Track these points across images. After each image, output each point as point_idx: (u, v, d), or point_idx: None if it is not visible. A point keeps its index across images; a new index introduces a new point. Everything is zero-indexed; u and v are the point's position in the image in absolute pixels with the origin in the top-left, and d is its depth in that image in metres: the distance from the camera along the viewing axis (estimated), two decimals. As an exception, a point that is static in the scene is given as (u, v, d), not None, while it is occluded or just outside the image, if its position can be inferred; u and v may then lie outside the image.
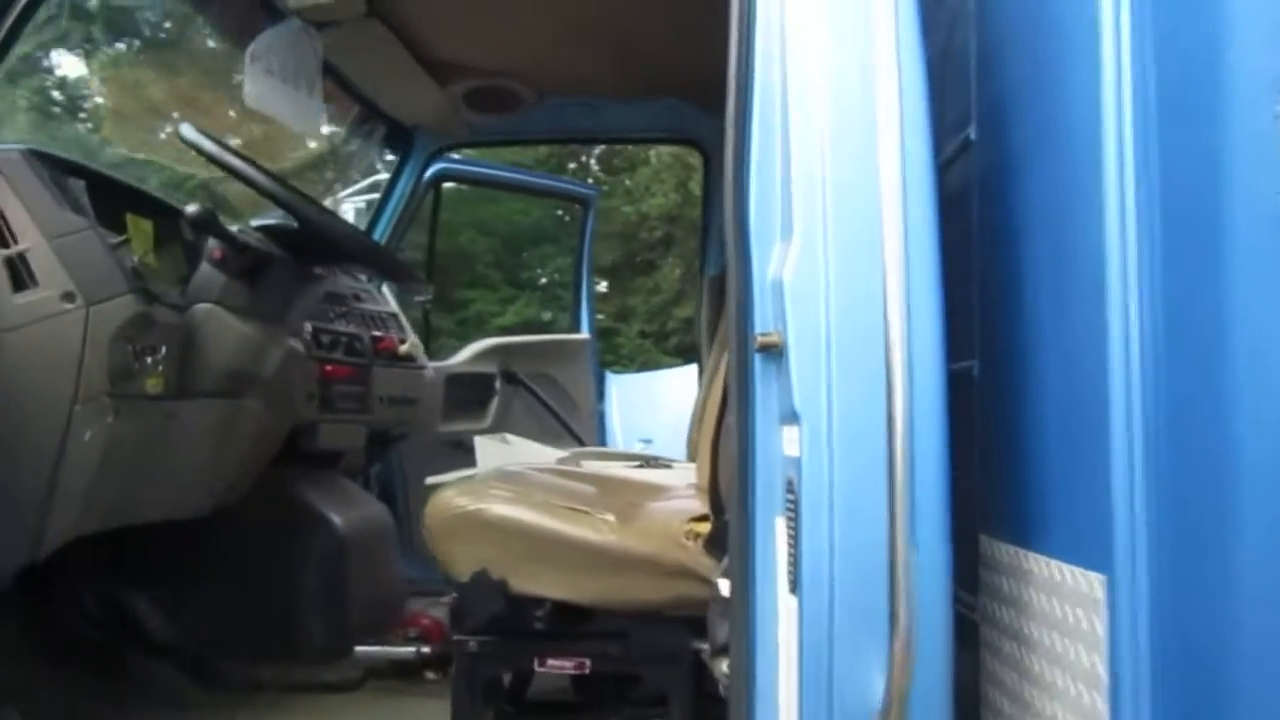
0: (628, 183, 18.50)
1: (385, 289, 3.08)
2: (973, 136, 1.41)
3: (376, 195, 3.28)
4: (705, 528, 1.55)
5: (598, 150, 18.82)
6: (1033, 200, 1.23)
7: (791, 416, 1.16)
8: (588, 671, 1.66)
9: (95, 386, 1.39)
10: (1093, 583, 1.02)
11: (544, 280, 15.75)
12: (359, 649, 1.87)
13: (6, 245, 1.39)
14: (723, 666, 1.34)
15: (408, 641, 1.89)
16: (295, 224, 1.69)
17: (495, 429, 3.17)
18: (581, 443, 3.31)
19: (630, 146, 18.60)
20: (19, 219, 1.39)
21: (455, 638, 1.66)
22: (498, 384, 3.25)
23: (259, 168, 1.68)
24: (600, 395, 7.04)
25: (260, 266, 1.66)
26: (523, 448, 2.50)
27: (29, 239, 1.39)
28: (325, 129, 3.08)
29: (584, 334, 3.61)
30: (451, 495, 1.70)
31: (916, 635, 1.09)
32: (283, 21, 2.08)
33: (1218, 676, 0.94)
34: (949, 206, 1.23)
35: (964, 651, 1.26)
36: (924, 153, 1.19)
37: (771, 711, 1.16)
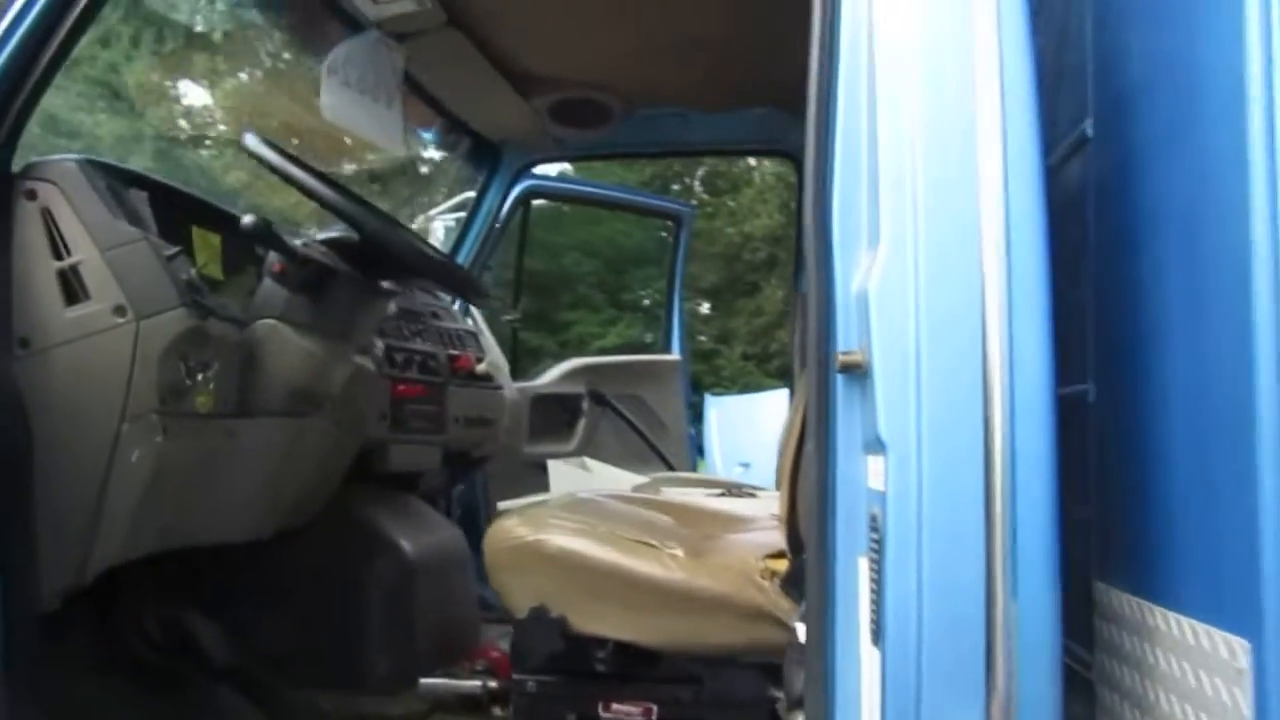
0: (731, 203, 18.51)
1: (472, 308, 3.06)
2: (1089, 132, 1.27)
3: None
4: (783, 565, 1.43)
5: (701, 171, 18.89)
6: (1162, 200, 1.08)
7: (876, 445, 1.04)
8: (655, 718, 1.55)
9: (144, 404, 1.35)
10: (1234, 649, 0.86)
11: (646, 301, 15.78)
12: (425, 680, 1.80)
13: (60, 257, 1.37)
14: (798, 721, 1.22)
15: (475, 674, 1.81)
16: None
17: (581, 451, 3.09)
18: (671, 467, 3.21)
19: (735, 168, 18.64)
20: (73, 230, 1.36)
21: (514, 677, 1.58)
22: (585, 405, 3.18)
23: (324, 178, 1.64)
24: (698, 417, 6.95)
25: (323, 280, 1.60)
26: (601, 472, 2.41)
27: (82, 251, 1.36)
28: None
29: (675, 355, 3.51)
30: (511, 524, 1.61)
31: (1018, 698, 0.97)
32: (361, 33, 2.05)
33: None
34: (1060, 210, 1.11)
35: (1076, 716, 1.11)
36: (1030, 149, 1.06)
37: (851, 776, 1.04)
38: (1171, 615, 0.99)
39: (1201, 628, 0.93)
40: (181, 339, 1.37)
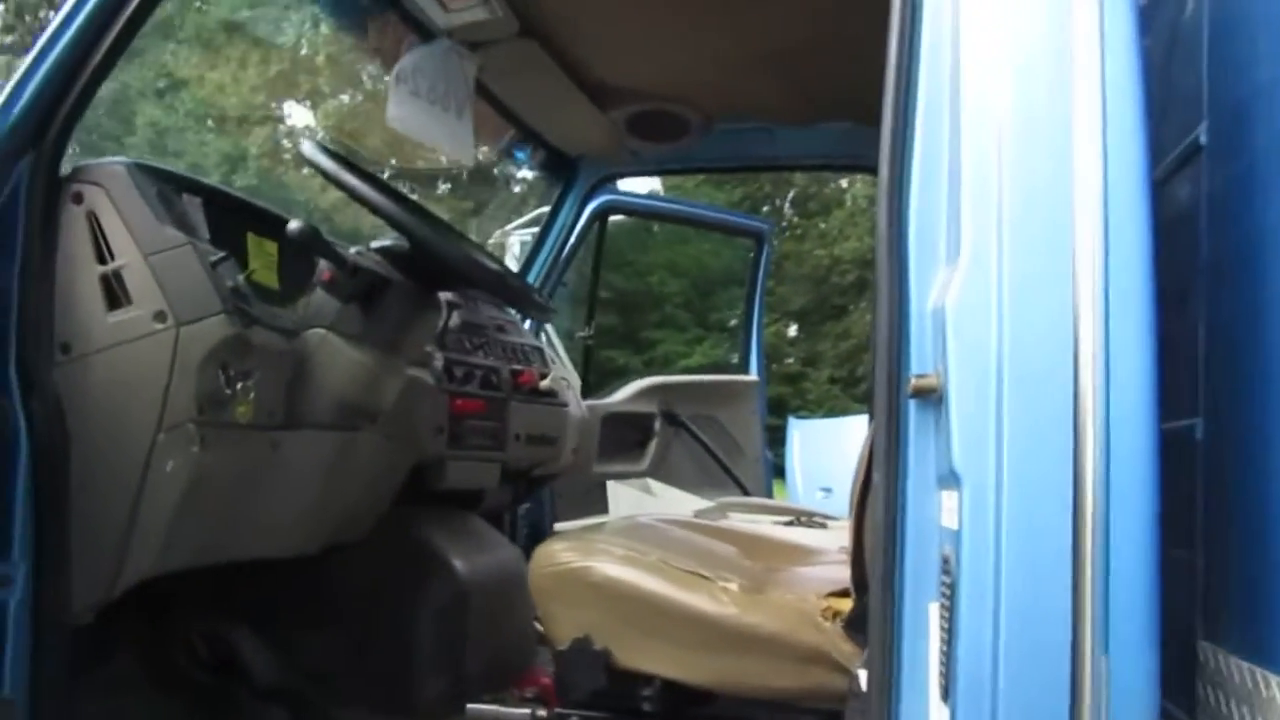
0: (822, 225, 18.34)
1: (547, 325, 3.00)
2: (1203, 140, 1.16)
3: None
4: (847, 605, 1.32)
5: (792, 193, 18.75)
6: (1287, 216, 0.96)
7: (950, 478, 0.95)
8: None
9: (181, 413, 1.32)
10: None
11: (732, 322, 15.71)
12: (472, 706, 1.73)
13: (104, 261, 1.35)
14: (860, 778, 1.11)
15: (524, 701, 1.73)
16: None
17: (653, 473, 3.02)
18: (745, 491, 3.10)
19: (826, 189, 18.46)
20: (117, 234, 1.34)
21: (557, 710, 1.50)
22: (657, 425, 3.09)
23: (382, 185, 1.60)
24: (777, 441, 6.81)
25: (375, 290, 1.56)
26: (663, 495, 2.31)
27: (126, 255, 1.34)
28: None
29: (752, 376, 3.40)
30: (556, 548, 1.53)
31: (1110, 769, 0.85)
32: (431, 41, 2.02)
33: None
34: (1167, 226, 1.00)
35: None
36: (1134, 152, 0.95)
37: None
38: (1291, 687, 0.87)
39: (1328, 704, 0.80)
40: (222, 346, 1.33)
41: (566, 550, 1.52)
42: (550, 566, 1.52)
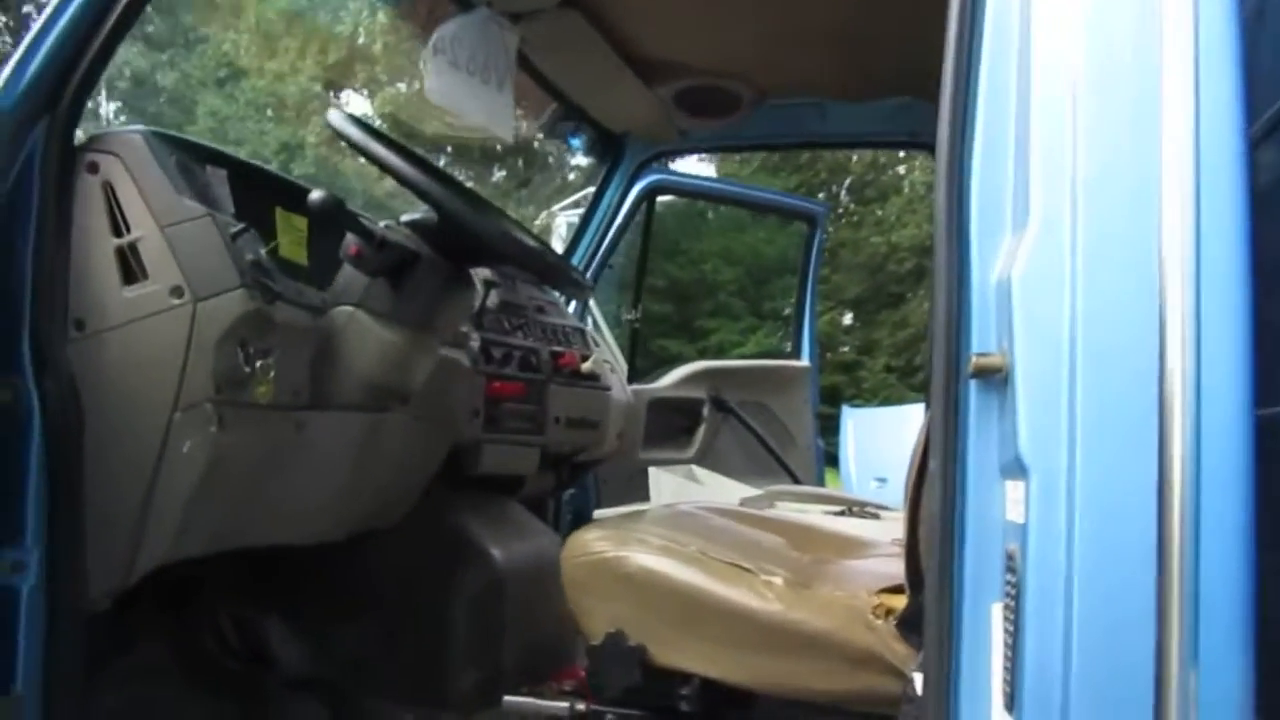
0: (879, 212, 18.08)
1: (593, 305, 2.94)
2: (1301, 95, 1.04)
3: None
4: (900, 602, 1.23)
5: (849, 180, 18.49)
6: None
7: (1016, 468, 0.87)
8: None
9: (198, 392, 1.26)
10: None
11: (787, 311, 15.58)
12: (509, 698, 1.67)
13: (120, 234, 1.29)
14: (913, 791, 1.03)
15: (562, 694, 1.67)
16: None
17: (700, 460, 2.94)
18: (795, 479, 3.02)
19: (883, 176, 18.17)
20: (134, 205, 1.29)
21: (591, 707, 1.43)
22: (706, 411, 3.02)
23: (412, 156, 1.53)
24: (830, 429, 6.69)
25: (405, 265, 1.49)
26: (709, 482, 2.23)
27: (142, 227, 1.29)
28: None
29: (804, 361, 3.31)
30: (590, 537, 1.45)
31: (1197, 798, 0.77)
32: (471, 10, 1.95)
33: None
34: (1261, 193, 0.90)
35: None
36: (1226, 111, 0.86)
37: None
38: None
39: None
40: (240, 323, 1.27)
41: (600, 539, 1.44)
42: (583, 556, 1.44)
